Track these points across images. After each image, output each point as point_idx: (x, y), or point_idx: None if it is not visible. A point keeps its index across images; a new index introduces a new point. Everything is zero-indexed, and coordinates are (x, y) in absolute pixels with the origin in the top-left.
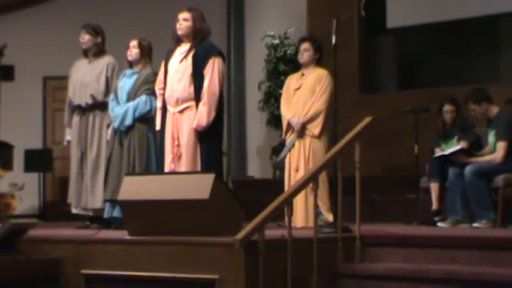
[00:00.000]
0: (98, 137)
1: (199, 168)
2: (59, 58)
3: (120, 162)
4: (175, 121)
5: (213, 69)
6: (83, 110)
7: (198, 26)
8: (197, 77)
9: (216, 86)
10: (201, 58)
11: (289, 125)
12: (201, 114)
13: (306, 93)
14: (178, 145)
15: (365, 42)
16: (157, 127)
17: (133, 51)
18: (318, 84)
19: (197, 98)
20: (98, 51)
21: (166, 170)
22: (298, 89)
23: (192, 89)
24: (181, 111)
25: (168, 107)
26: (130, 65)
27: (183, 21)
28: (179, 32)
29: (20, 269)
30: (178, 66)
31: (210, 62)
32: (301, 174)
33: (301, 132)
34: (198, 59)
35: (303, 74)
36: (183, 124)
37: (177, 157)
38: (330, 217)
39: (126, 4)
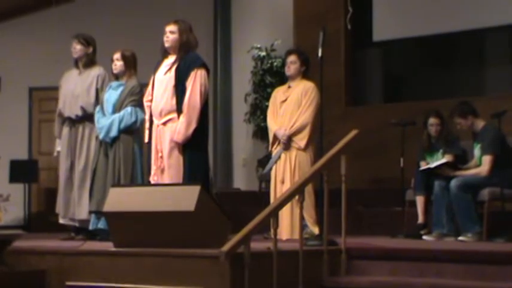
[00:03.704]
0: (86, 148)
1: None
2: (45, 69)
3: (105, 174)
4: (158, 133)
5: (194, 81)
6: (73, 122)
7: (184, 38)
8: (179, 89)
9: (196, 98)
10: (184, 70)
11: (275, 137)
12: (180, 127)
13: (292, 106)
14: (162, 157)
15: (351, 55)
16: (146, 139)
17: (117, 64)
18: (304, 97)
19: (179, 110)
20: (88, 61)
21: (151, 182)
22: (284, 101)
23: (174, 101)
24: (164, 123)
25: (154, 119)
26: (116, 77)
27: (170, 34)
28: (166, 45)
29: (4, 280)
30: (163, 78)
31: (192, 74)
32: (287, 186)
33: (287, 145)
34: (181, 71)
35: (289, 87)
36: (165, 136)
37: (161, 169)
38: (315, 230)
39: (114, 14)
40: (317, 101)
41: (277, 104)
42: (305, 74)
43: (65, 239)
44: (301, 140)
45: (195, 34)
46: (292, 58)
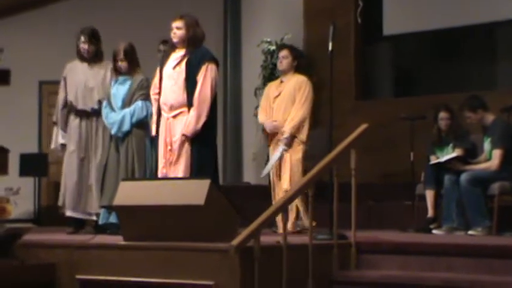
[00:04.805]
0: (102, 141)
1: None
2: (55, 62)
3: (116, 169)
4: (168, 126)
5: (205, 75)
6: (87, 114)
7: (191, 33)
8: (190, 83)
9: (207, 92)
10: (195, 64)
11: (272, 135)
12: (190, 120)
13: (285, 100)
14: (171, 150)
15: (361, 49)
16: (153, 132)
17: (122, 65)
18: (299, 92)
19: (190, 104)
20: (98, 55)
21: (159, 175)
22: (277, 96)
23: (185, 95)
24: (174, 117)
25: (162, 112)
26: (120, 72)
27: (177, 30)
28: (173, 40)
29: (14, 274)
30: (172, 72)
31: (203, 68)
32: (284, 181)
33: (290, 143)
34: (191, 65)
35: (282, 81)
36: (175, 129)
37: (169, 162)
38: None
39: (121, 7)
40: (311, 95)
41: (271, 99)
42: (297, 69)
43: (70, 232)
44: (302, 134)
45: (205, 28)
46: (284, 53)
